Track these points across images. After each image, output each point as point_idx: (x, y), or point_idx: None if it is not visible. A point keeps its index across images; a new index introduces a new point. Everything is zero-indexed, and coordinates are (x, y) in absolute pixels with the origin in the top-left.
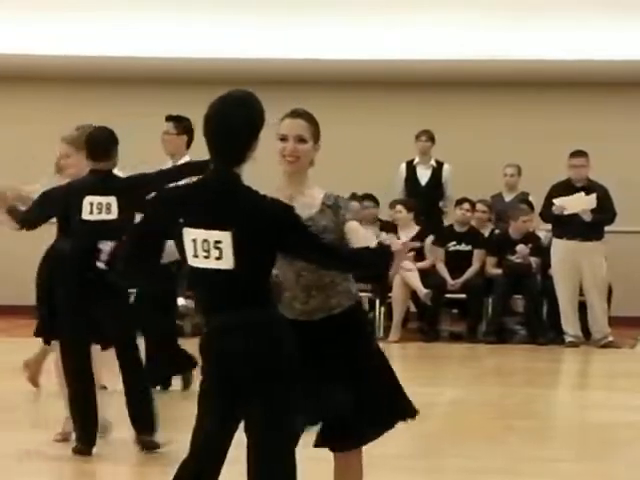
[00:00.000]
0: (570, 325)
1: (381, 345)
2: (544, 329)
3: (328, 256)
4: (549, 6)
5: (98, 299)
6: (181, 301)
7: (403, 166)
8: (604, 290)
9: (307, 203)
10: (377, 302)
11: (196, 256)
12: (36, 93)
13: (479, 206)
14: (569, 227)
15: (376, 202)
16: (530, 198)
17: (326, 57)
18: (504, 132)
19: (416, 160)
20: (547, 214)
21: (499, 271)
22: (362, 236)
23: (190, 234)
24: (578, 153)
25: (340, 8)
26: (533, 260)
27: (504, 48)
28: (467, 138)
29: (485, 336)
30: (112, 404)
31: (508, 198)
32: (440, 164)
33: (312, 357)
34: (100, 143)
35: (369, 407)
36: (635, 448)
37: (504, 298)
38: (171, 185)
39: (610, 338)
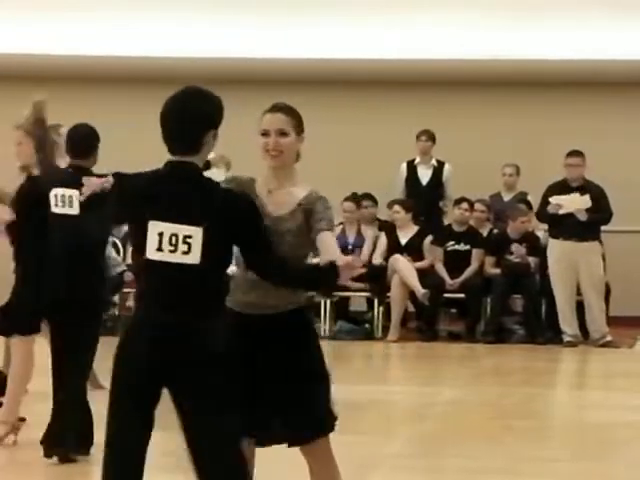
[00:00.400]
0: (568, 325)
1: (380, 345)
2: (542, 329)
3: (271, 267)
4: (549, 6)
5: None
6: None
7: (404, 166)
8: (602, 290)
9: (281, 202)
10: (375, 302)
11: (160, 250)
12: (35, 93)
13: (477, 206)
14: (565, 227)
15: (375, 202)
16: (529, 198)
17: (326, 57)
18: (503, 132)
19: (417, 160)
20: (543, 214)
21: (498, 271)
22: (332, 250)
23: (157, 227)
24: (574, 153)
25: (341, 8)
26: (531, 260)
27: (504, 48)
28: (466, 138)
29: (484, 336)
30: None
31: (507, 198)
32: (441, 164)
33: (256, 351)
34: (81, 140)
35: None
36: (633, 448)
37: (503, 298)
38: (131, 175)
39: (608, 338)
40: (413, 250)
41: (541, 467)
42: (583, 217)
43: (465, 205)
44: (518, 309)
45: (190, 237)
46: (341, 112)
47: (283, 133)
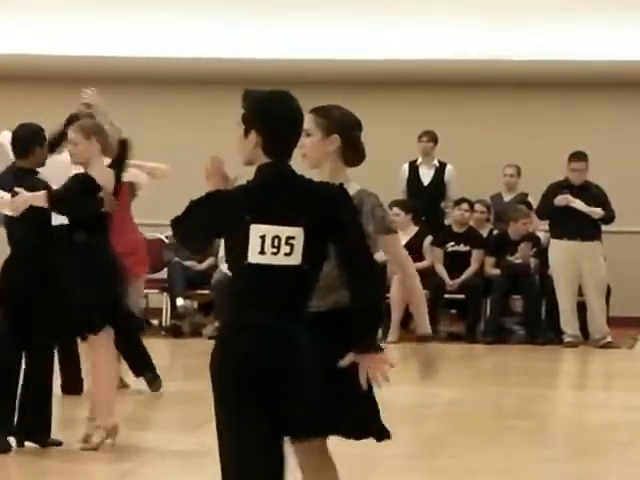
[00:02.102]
0: (569, 325)
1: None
2: (542, 329)
3: (363, 254)
4: (551, 7)
5: None
6: (180, 301)
7: (405, 166)
8: (603, 290)
9: None
10: None
11: (263, 252)
12: (36, 93)
13: (477, 206)
14: (567, 227)
15: None
16: (529, 198)
17: (327, 57)
18: (504, 132)
19: (419, 161)
20: (544, 210)
21: (498, 271)
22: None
23: (259, 230)
24: (578, 157)
25: (342, 8)
26: (531, 260)
27: (506, 49)
28: (467, 138)
29: (484, 336)
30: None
31: (507, 198)
32: (443, 165)
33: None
34: (20, 141)
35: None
36: (633, 448)
37: (503, 298)
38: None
39: (609, 338)
40: (413, 251)
41: (541, 467)
42: (596, 215)
43: (465, 206)
44: (518, 309)
45: (293, 238)
46: None
47: (307, 134)
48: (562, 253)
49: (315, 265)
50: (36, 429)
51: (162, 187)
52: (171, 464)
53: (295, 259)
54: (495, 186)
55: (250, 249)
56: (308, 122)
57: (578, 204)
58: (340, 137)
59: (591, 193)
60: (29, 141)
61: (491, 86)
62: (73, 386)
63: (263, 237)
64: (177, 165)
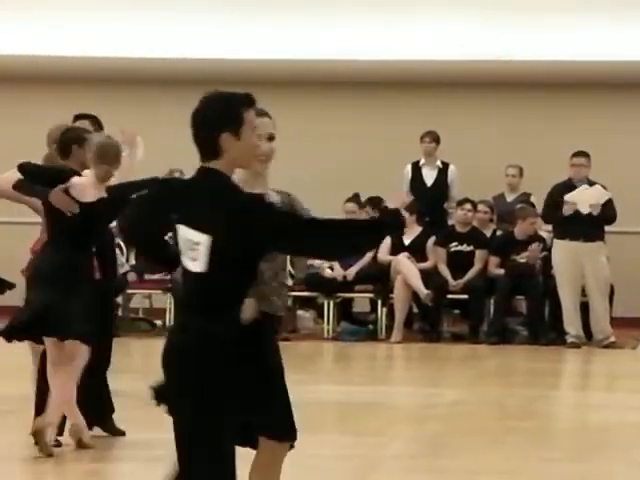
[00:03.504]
0: (572, 326)
1: (383, 346)
2: (546, 330)
3: (320, 231)
4: (552, 7)
5: None
6: None
7: (409, 167)
8: (606, 291)
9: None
10: (379, 303)
11: (183, 254)
12: (36, 93)
13: (481, 207)
14: (571, 228)
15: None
16: (532, 199)
17: (330, 58)
18: (506, 133)
19: (422, 161)
20: (549, 215)
21: (501, 272)
22: None
23: (180, 231)
24: (579, 153)
25: (344, 9)
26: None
27: (508, 49)
28: (469, 139)
29: (487, 337)
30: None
31: (510, 199)
32: (446, 165)
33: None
34: (61, 142)
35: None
36: (636, 449)
37: (506, 299)
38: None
39: (612, 339)
40: (416, 251)
41: (543, 468)
42: (596, 211)
43: (468, 206)
44: (521, 310)
45: (198, 244)
46: (345, 113)
47: (272, 138)
48: (565, 254)
49: (222, 274)
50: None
51: None
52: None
53: (200, 266)
54: (497, 186)
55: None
56: (273, 126)
57: (582, 202)
58: None
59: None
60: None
61: (493, 87)
62: None
63: (182, 239)
64: (178, 165)
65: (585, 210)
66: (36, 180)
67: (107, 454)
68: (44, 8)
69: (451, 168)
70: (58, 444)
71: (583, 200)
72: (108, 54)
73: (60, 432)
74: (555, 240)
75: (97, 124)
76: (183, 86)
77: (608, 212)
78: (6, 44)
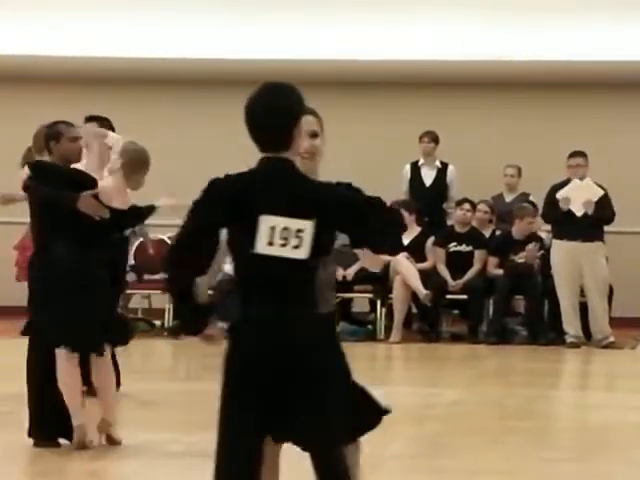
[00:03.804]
0: (571, 326)
1: (382, 346)
2: (545, 330)
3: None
4: (551, 7)
5: None
6: None
7: (408, 167)
8: (605, 291)
9: None
10: (378, 303)
11: (271, 244)
12: (35, 93)
13: (481, 206)
14: (569, 228)
15: None
16: (531, 198)
17: (329, 58)
18: (505, 133)
19: (421, 161)
20: (549, 214)
21: (500, 272)
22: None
23: (268, 221)
24: (576, 153)
25: (344, 8)
26: (535, 261)
27: (507, 49)
28: (468, 139)
29: (486, 337)
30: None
31: (509, 199)
32: (445, 165)
33: None
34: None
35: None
36: (636, 449)
37: (505, 299)
38: (227, 175)
39: (611, 339)
40: (415, 251)
41: (543, 468)
42: (590, 210)
43: (467, 206)
44: (520, 310)
45: (302, 231)
46: (344, 113)
47: (315, 135)
48: (563, 254)
49: (318, 261)
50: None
51: (165, 188)
52: (172, 465)
53: (303, 252)
54: (495, 186)
55: (258, 240)
56: (314, 123)
57: (575, 198)
58: None
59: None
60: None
61: (492, 87)
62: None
63: (273, 228)
64: (178, 165)
65: (579, 212)
66: (50, 180)
67: (107, 454)
68: (44, 8)
69: (450, 168)
70: (58, 444)
71: (575, 196)
72: (108, 54)
73: (61, 432)
74: (554, 240)
75: (106, 127)
76: (183, 86)
77: (605, 212)
78: (6, 44)
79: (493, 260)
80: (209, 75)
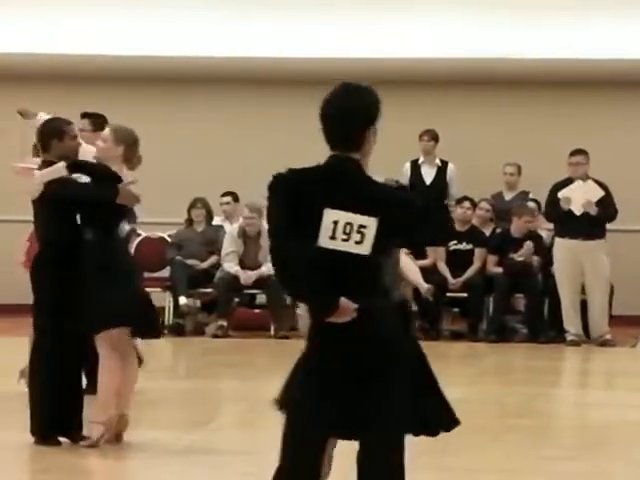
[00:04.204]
0: (571, 324)
1: None
2: (545, 328)
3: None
4: (552, 5)
5: None
6: (182, 300)
7: (407, 165)
8: (606, 289)
9: None
10: None
11: (333, 238)
12: (32, 91)
13: (482, 204)
14: (571, 226)
15: None
16: (531, 196)
17: (328, 56)
18: (504, 131)
19: (420, 159)
20: (551, 213)
21: (500, 270)
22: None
23: (332, 215)
24: (576, 151)
25: (342, 7)
26: (534, 259)
27: (506, 47)
28: (467, 137)
29: (486, 335)
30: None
31: (508, 197)
32: (445, 163)
33: None
34: None
35: None
36: (636, 447)
37: (505, 297)
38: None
39: (608, 337)
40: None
41: (543, 466)
42: (593, 211)
43: (467, 204)
44: (520, 308)
45: (365, 227)
46: None
47: None
48: (564, 252)
49: (381, 257)
50: (69, 425)
51: (165, 186)
52: (174, 462)
53: (365, 248)
54: (495, 184)
55: (321, 233)
56: None
57: (576, 198)
58: None
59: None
60: None
61: (491, 85)
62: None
63: (336, 222)
64: (179, 165)
65: (578, 212)
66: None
67: (108, 453)
68: (40, 5)
69: (450, 166)
70: (58, 442)
71: (575, 197)
72: (105, 52)
73: (61, 430)
74: (556, 238)
75: (101, 123)
76: (180, 84)
77: (608, 210)
78: (5, 42)
79: (492, 258)
80: (207, 73)
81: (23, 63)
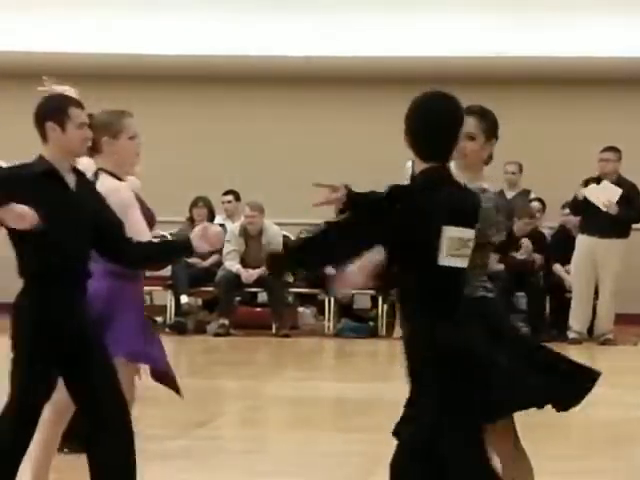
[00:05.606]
0: (576, 320)
1: (384, 342)
2: (546, 326)
3: None
4: (550, 4)
5: None
6: (184, 298)
7: (409, 164)
8: (615, 288)
9: None
10: (380, 299)
11: (452, 255)
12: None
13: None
14: (587, 223)
15: None
16: (532, 195)
17: (327, 55)
18: (505, 129)
19: None
20: (573, 206)
21: (501, 267)
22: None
23: (449, 232)
24: (607, 148)
25: (342, 6)
26: (536, 257)
27: (506, 46)
28: None
29: None
30: None
31: (510, 195)
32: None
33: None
34: None
35: None
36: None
37: (506, 295)
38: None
39: (609, 335)
40: None
41: (546, 465)
42: (613, 211)
43: None
44: (522, 306)
45: (470, 240)
46: (344, 110)
47: (470, 137)
48: (581, 248)
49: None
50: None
51: (166, 185)
52: (174, 461)
53: (467, 261)
54: (496, 183)
55: (441, 251)
56: (472, 126)
57: (594, 195)
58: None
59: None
60: None
61: (491, 83)
62: None
63: (451, 238)
64: (180, 163)
65: (602, 207)
66: None
67: None
68: (44, 5)
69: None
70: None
71: (595, 196)
72: (106, 50)
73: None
74: (578, 235)
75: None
76: (183, 83)
77: (630, 210)
78: (10, 42)
79: (494, 256)
80: (210, 72)
81: (21, 62)
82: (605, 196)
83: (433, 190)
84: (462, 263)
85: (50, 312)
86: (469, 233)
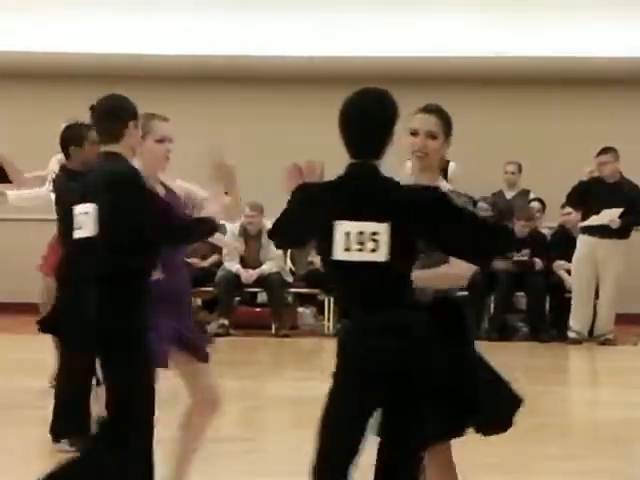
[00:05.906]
0: (576, 320)
1: None
2: (546, 326)
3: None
4: (550, 4)
5: None
6: None
7: (409, 164)
8: (616, 289)
9: None
10: None
11: (348, 249)
12: (35, 91)
13: (480, 205)
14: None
15: None
16: (531, 195)
17: (329, 55)
18: (505, 129)
19: None
20: (571, 204)
21: (502, 267)
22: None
23: (344, 227)
24: (602, 150)
25: (342, 6)
26: (537, 261)
27: (506, 46)
28: (467, 135)
29: (487, 333)
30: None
31: (509, 195)
32: (446, 162)
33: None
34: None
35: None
36: None
37: (507, 295)
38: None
39: (609, 336)
40: None
41: (546, 465)
42: (616, 225)
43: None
44: (522, 307)
45: (377, 234)
46: None
47: (432, 136)
48: (582, 248)
49: (402, 262)
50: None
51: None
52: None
53: (381, 255)
54: (495, 183)
55: (335, 246)
56: (433, 124)
57: (590, 223)
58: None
59: (621, 192)
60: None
61: (491, 83)
62: None
63: (348, 233)
64: (180, 163)
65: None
66: None
67: None
68: (44, 5)
69: (451, 165)
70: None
71: (598, 222)
72: (110, 50)
73: (75, 431)
74: (580, 235)
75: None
76: (181, 83)
77: (631, 215)
78: (12, 42)
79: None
80: (208, 72)
81: (20, 61)
82: (607, 218)
83: (338, 186)
84: (372, 257)
85: None
86: (374, 227)
